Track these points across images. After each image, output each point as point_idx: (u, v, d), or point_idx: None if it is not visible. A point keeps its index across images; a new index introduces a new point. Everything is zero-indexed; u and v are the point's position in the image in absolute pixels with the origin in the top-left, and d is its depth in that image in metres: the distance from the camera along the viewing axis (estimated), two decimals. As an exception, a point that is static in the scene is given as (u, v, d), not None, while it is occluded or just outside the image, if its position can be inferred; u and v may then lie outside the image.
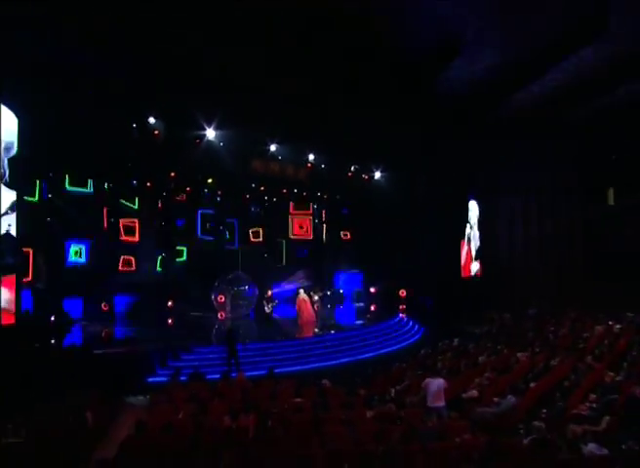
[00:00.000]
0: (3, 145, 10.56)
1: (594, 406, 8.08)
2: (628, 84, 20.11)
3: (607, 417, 7.30)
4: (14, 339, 9.91)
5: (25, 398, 8.68)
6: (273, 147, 17.45)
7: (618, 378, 9.46)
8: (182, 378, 10.78)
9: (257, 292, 20.28)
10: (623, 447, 6.19)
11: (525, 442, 6.67)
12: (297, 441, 7.03)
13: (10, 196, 10.75)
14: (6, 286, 9.78)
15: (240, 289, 20.31)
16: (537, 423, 6.99)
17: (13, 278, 10.01)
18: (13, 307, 9.93)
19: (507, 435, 7.36)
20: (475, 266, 24.40)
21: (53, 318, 13.43)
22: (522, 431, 7.55)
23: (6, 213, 10.49)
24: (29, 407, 8.21)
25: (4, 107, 10.57)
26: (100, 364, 11.96)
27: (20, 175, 11.15)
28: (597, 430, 7.05)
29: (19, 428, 6.98)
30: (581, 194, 25.93)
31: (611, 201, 26.17)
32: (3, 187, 10.57)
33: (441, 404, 8.60)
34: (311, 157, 18.97)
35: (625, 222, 24.87)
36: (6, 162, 10.63)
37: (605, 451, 6.01)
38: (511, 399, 8.43)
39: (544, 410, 8.12)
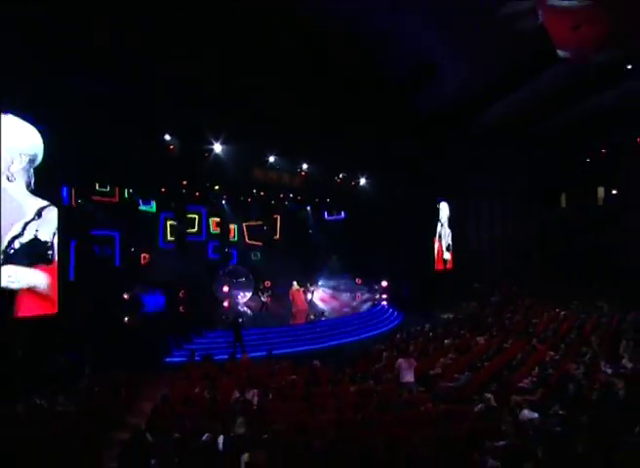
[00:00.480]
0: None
1: (534, 380, 8.89)
2: (576, 105, 20.96)
3: (541, 389, 8.12)
4: (57, 327, 10.57)
5: (71, 374, 9.39)
6: (272, 158, 18.00)
7: (556, 357, 10.29)
8: (197, 359, 11.44)
9: (253, 283, 20.85)
10: (551, 411, 7.00)
11: (475, 409, 7.47)
12: (292, 410, 7.77)
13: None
14: (50, 280, 10.43)
15: (239, 280, 20.85)
16: (486, 394, 7.78)
17: (54, 274, 10.58)
18: (55, 299, 10.55)
19: (463, 404, 8.14)
20: (447, 255, 25.20)
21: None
22: (477, 401, 8.33)
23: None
24: (75, 381, 8.92)
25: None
26: (126, 346, 12.60)
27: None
28: (533, 399, 7.86)
29: (68, 400, 7.66)
30: (538, 197, 26.85)
31: (563, 204, 27.13)
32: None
33: (411, 380, 9.31)
34: (305, 166, 19.56)
35: (574, 222, 25.86)
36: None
37: (535, 415, 6.82)
38: (468, 375, 9.24)
39: (495, 384, 8.89)
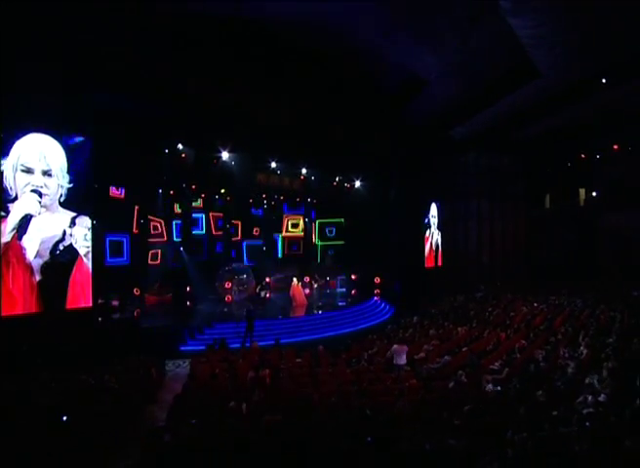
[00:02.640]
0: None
1: (502, 362, 10.56)
2: (558, 114, 22.61)
3: (507, 369, 9.80)
4: (92, 317, 12.17)
5: (106, 357, 10.99)
6: (273, 164, 19.59)
7: (525, 345, 11.98)
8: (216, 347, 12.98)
9: (253, 280, 22.46)
10: (510, 386, 8.67)
11: (450, 385, 9.14)
12: (299, 386, 9.39)
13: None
14: (84, 280, 12.03)
15: (241, 277, 22.40)
16: (459, 372, 9.45)
17: (89, 274, 12.20)
18: (90, 294, 12.15)
19: (441, 381, 9.80)
20: (436, 253, 26.88)
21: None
22: (452, 378, 9.98)
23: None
24: (110, 362, 10.54)
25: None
26: (146, 335, 14.20)
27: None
28: (500, 378, 9.54)
29: (110, 379, 9.25)
30: (524, 198, 28.59)
31: (547, 205, 28.88)
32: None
33: (403, 362, 10.92)
34: (304, 171, 21.16)
35: (558, 221, 27.64)
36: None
37: (498, 388, 8.51)
38: (447, 358, 10.91)
39: (468, 366, 10.54)
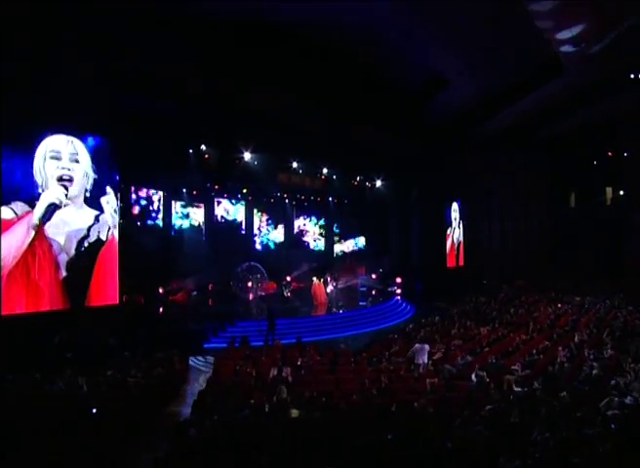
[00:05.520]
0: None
1: (525, 363, 10.48)
2: (583, 111, 22.19)
3: (530, 370, 9.73)
4: (119, 314, 12.53)
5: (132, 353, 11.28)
6: (295, 164, 19.74)
7: (548, 346, 11.85)
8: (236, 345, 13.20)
9: (267, 279, 22.53)
10: (533, 387, 8.62)
11: (471, 384, 9.12)
12: (321, 383, 9.50)
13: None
14: (110, 276, 12.44)
15: (257, 276, 22.55)
16: (480, 372, 9.43)
17: (115, 270, 12.60)
18: (117, 291, 12.54)
19: (462, 380, 9.79)
20: (458, 252, 26.64)
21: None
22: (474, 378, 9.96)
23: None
24: (135, 358, 10.82)
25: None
26: (170, 332, 14.49)
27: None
28: (523, 378, 9.46)
29: (136, 374, 9.52)
30: (548, 197, 28.10)
31: (572, 204, 28.32)
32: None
33: (424, 362, 10.92)
34: (325, 170, 21.24)
35: (584, 221, 27.07)
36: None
37: (519, 389, 8.47)
38: (468, 358, 10.87)
39: (490, 365, 10.49)
